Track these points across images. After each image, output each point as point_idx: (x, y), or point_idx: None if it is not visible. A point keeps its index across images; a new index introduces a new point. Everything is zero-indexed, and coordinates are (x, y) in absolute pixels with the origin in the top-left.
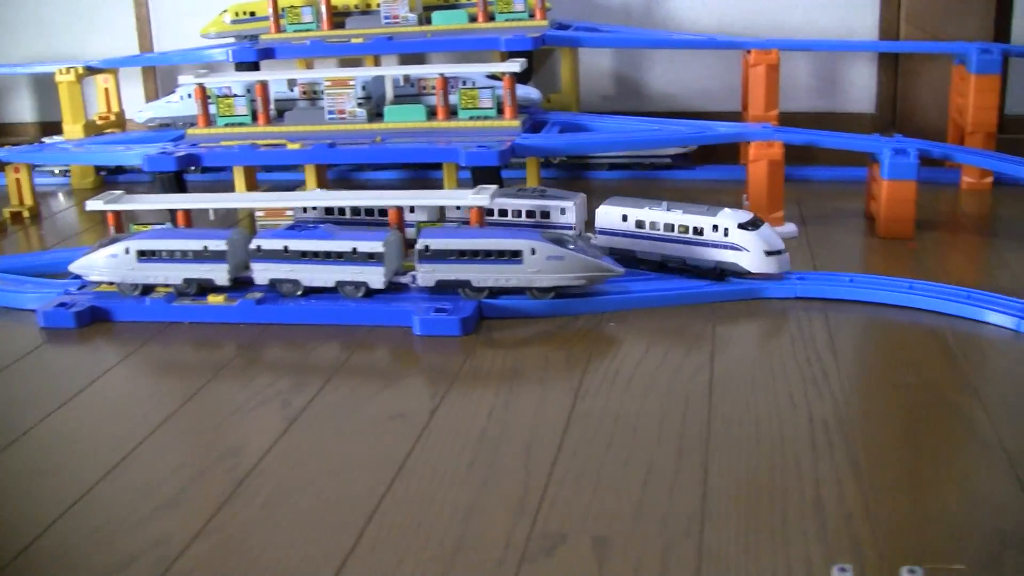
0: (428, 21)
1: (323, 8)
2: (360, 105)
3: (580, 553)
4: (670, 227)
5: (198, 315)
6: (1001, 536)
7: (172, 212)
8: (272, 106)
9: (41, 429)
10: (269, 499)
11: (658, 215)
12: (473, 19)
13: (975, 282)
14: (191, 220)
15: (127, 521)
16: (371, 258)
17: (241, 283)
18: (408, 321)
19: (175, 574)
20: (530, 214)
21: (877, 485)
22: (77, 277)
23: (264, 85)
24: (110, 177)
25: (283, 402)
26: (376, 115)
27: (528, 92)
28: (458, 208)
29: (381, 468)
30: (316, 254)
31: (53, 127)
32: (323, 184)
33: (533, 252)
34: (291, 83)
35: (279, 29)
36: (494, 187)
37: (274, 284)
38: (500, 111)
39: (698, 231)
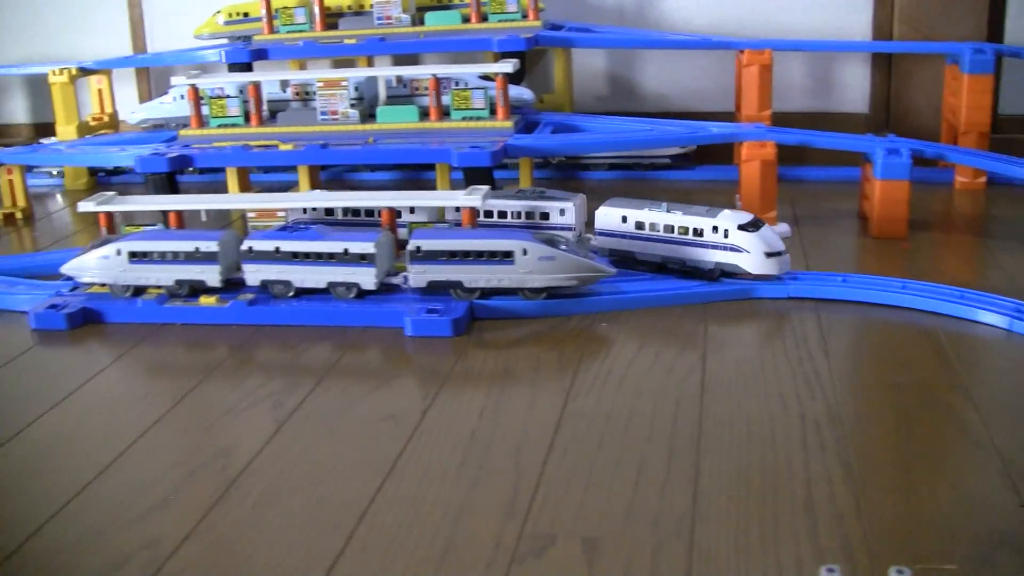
0: (421, 22)
1: (316, 9)
2: (353, 106)
3: (570, 554)
4: (670, 228)
5: (190, 316)
6: (993, 536)
7: (164, 213)
8: (265, 107)
9: (33, 431)
10: (260, 500)
11: (658, 216)
12: (466, 20)
13: (968, 282)
14: (183, 221)
15: (119, 522)
16: (363, 259)
17: (233, 284)
18: (400, 322)
19: (166, 574)
20: (529, 215)
21: (869, 485)
22: (69, 279)
23: (257, 86)
24: (105, 178)
25: (274, 403)
26: (369, 116)
27: (521, 93)
28: (457, 209)
29: (372, 469)
30: (307, 255)
31: (46, 128)
32: (316, 185)
33: (525, 253)
34: (284, 84)
35: (272, 30)
36: (486, 188)
37: (266, 285)
38: (493, 112)
39: (698, 232)
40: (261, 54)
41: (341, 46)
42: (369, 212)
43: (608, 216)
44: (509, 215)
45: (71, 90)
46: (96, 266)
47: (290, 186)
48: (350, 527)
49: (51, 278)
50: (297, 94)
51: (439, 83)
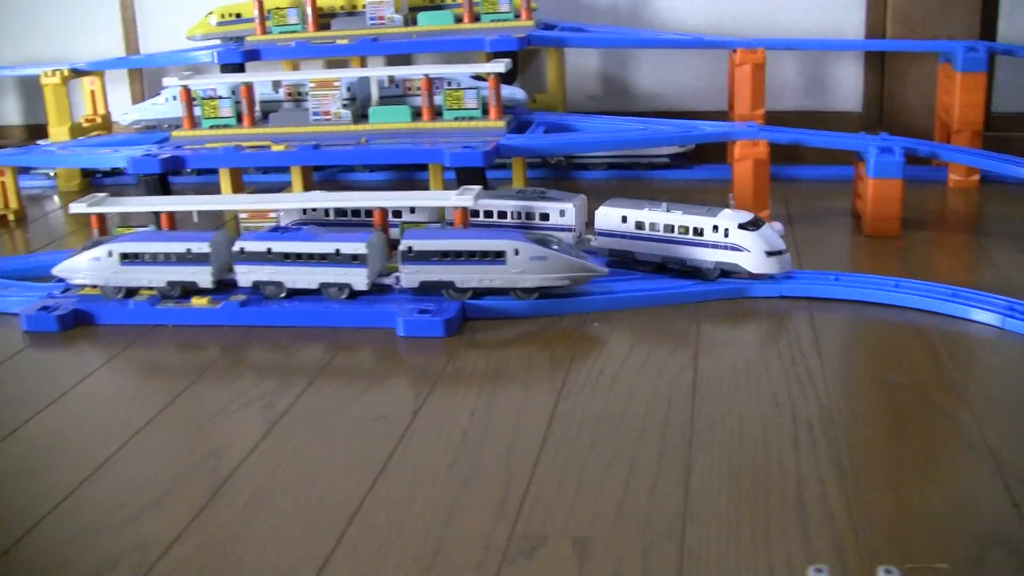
0: (414, 22)
1: (308, 10)
2: (345, 106)
3: (561, 554)
4: (670, 228)
5: (181, 318)
6: (985, 536)
7: (156, 214)
8: (257, 108)
9: (23, 432)
10: (251, 500)
11: (658, 216)
12: (459, 20)
13: (961, 280)
14: (175, 222)
15: (109, 523)
16: (354, 260)
17: (225, 285)
18: (392, 322)
19: (157, 575)
20: (529, 216)
21: (860, 485)
22: (61, 280)
23: (249, 87)
24: (99, 180)
25: (266, 404)
26: (361, 116)
27: (513, 92)
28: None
29: (363, 469)
30: (299, 256)
31: (39, 130)
32: (309, 186)
33: (516, 253)
34: (276, 85)
35: (265, 31)
36: (478, 188)
37: (257, 286)
38: (485, 112)
39: (698, 232)
40: (253, 55)
41: (334, 46)
42: (369, 212)
43: (608, 216)
44: (509, 216)
45: (63, 91)
46: (88, 268)
47: (284, 187)
48: (341, 528)
49: (43, 280)
50: (289, 95)
51: (431, 83)
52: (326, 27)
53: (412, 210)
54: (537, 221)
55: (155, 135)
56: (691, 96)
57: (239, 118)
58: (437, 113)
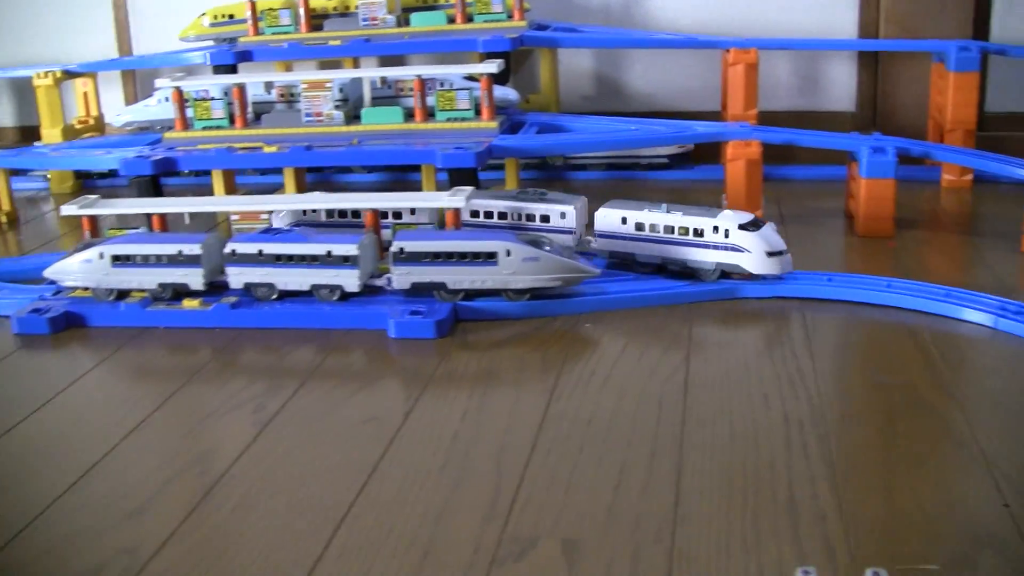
0: (407, 23)
1: (301, 11)
2: (337, 107)
3: (550, 556)
4: (670, 229)
5: (173, 320)
6: (976, 536)
7: (147, 216)
8: (250, 109)
9: (13, 436)
10: (241, 503)
11: (658, 217)
12: (451, 20)
13: (954, 280)
14: (167, 224)
15: (97, 528)
16: (346, 261)
17: (216, 287)
18: (383, 324)
19: None
20: (530, 218)
21: (852, 486)
22: (52, 283)
23: (241, 88)
24: (92, 182)
25: (257, 406)
26: (353, 117)
27: (506, 93)
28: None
29: (353, 472)
30: (291, 257)
31: (31, 131)
32: (302, 187)
33: (508, 254)
34: (268, 86)
35: (257, 32)
36: (470, 189)
37: (249, 288)
38: (478, 112)
39: (698, 233)
40: (246, 56)
41: (326, 47)
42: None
43: (608, 218)
44: (510, 217)
45: (56, 93)
46: (79, 270)
47: (277, 188)
48: (330, 530)
49: (35, 282)
50: (282, 96)
51: (424, 84)
52: (319, 28)
53: (412, 211)
54: (538, 223)
55: (148, 137)
56: (684, 96)
57: (231, 119)
58: (430, 114)
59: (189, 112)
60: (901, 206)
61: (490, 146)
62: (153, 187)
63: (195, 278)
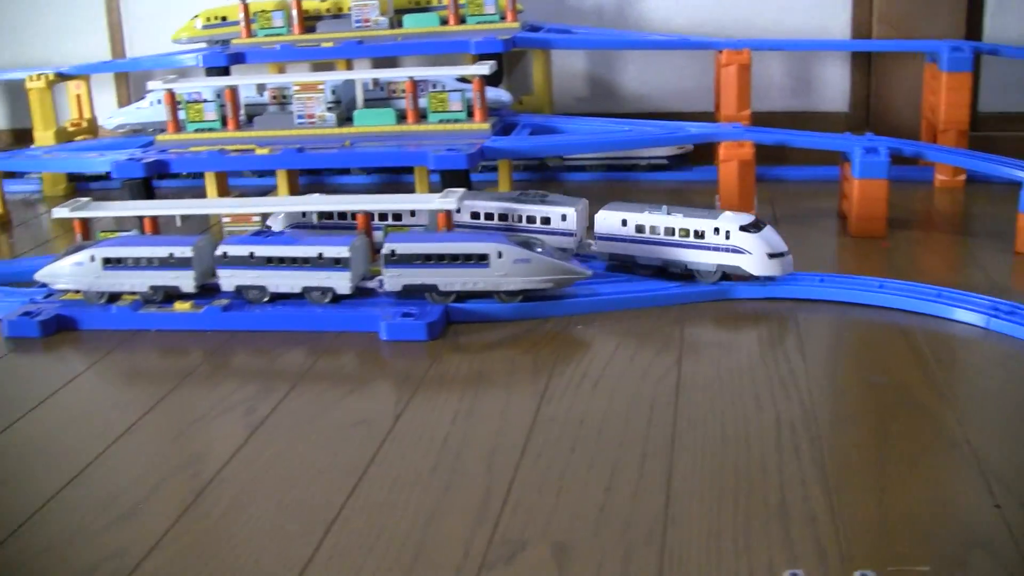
0: (399, 24)
1: (294, 12)
2: (330, 109)
3: (540, 559)
4: (670, 231)
5: (164, 322)
6: (968, 537)
7: (139, 219)
8: (242, 111)
9: (4, 439)
10: (231, 505)
11: (658, 219)
12: (444, 22)
13: (947, 280)
14: (158, 227)
15: (86, 531)
16: (337, 263)
17: (208, 290)
18: (375, 326)
19: None
20: (530, 220)
21: (843, 487)
22: (44, 285)
23: (234, 90)
24: (85, 184)
25: (248, 408)
26: (346, 119)
27: (498, 94)
28: (457, 211)
29: (343, 475)
30: (282, 260)
31: (24, 134)
32: (295, 189)
33: (500, 255)
34: (261, 88)
35: (250, 34)
36: (461, 191)
37: (240, 290)
38: (470, 114)
39: (699, 234)
40: (239, 58)
41: (319, 49)
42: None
43: (608, 220)
44: (510, 219)
45: (49, 96)
46: (70, 272)
47: (269, 190)
48: (319, 535)
49: (26, 285)
50: (274, 98)
51: (416, 86)
52: (311, 30)
53: (412, 213)
54: (539, 225)
55: (140, 139)
56: (678, 97)
57: (224, 121)
58: (422, 116)
59: (181, 114)
60: (894, 206)
61: (482, 148)
62: (145, 189)
63: (186, 281)
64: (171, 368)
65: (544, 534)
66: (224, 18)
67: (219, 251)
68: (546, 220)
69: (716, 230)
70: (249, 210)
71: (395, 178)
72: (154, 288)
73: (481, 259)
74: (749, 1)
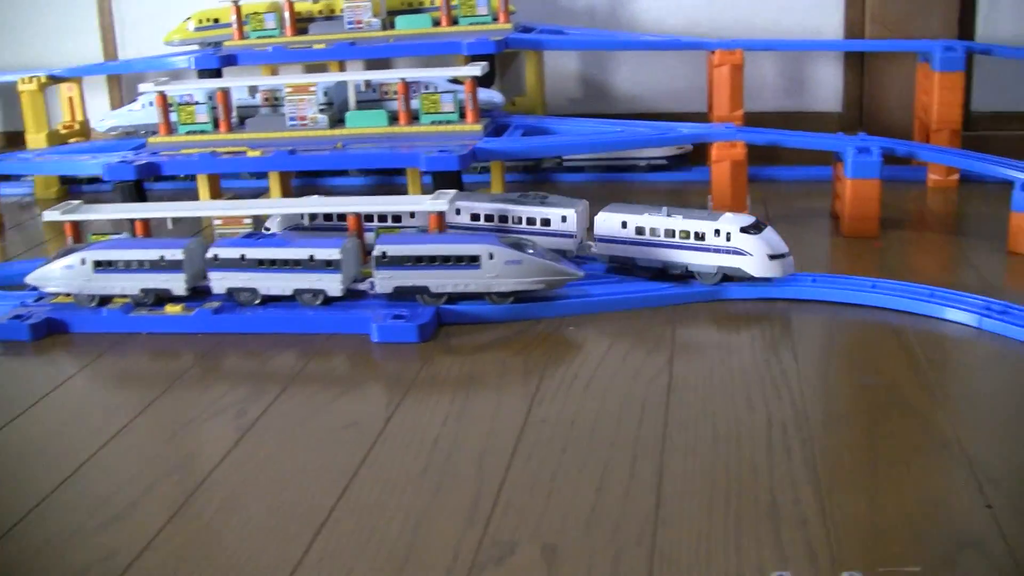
0: (392, 26)
1: (286, 14)
2: (322, 111)
3: (530, 561)
4: (671, 233)
5: (155, 325)
6: (959, 537)
7: (131, 222)
8: (234, 113)
9: None
10: (222, 508)
11: (658, 221)
12: (437, 23)
13: (939, 280)
14: (149, 229)
15: (76, 534)
16: (328, 265)
17: (199, 292)
18: (366, 328)
19: None
20: (530, 222)
21: (834, 488)
22: (34, 289)
23: (225, 92)
24: (77, 187)
25: (239, 411)
26: (338, 121)
27: (490, 96)
28: (457, 213)
29: (333, 477)
30: (273, 262)
31: (16, 137)
32: (287, 191)
33: (491, 257)
34: (253, 90)
35: (242, 36)
36: (452, 192)
37: (232, 293)
38: (462, 115)
39: (699, 236)
40: (231, 60)
41: (311, 51)
42: (368, 217)
43: (608, 222)
44: (510, 221)
45: (40, 98)
46: (61, 276)
47: (262, 192)
48: (310, 535)
49: (17, 288)
50: (266, 100)
51: (408, 87)
52: (304, 32)
53: (412, 215)
54: (539, 227)
55: (132, 141)
56: (671, 98)
57: (216, 124)
58: (414, 117)
59: (173, 116)
60: (886, 206)
61: (474, 149)
62: (137, 192)
63: (177, 283)
64: (162, 371)
65: (534, 535)
66: (216, 20)
67: (210, 253)
68: (546, 222)
69: (717, 232)
70: (240, 212)
71: (388, 180)
72: (145, 291)
73: (472, 261)
74: (742, 2)
